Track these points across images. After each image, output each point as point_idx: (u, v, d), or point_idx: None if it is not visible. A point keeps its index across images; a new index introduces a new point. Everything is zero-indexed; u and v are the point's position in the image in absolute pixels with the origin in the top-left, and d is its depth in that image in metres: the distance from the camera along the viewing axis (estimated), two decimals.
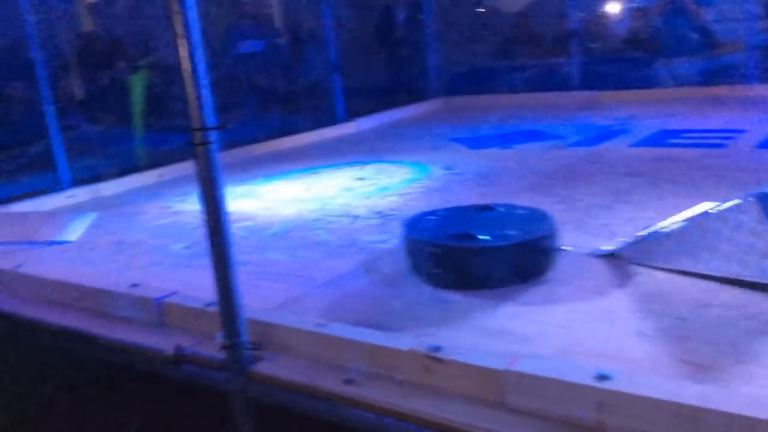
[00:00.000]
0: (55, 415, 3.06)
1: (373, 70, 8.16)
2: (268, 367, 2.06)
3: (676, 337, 1.94)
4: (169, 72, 6.73)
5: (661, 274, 2.39)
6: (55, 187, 4.63)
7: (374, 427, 1.81)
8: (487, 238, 2.47)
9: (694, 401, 1.43)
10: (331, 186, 4.44)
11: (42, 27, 4.80)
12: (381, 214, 3.62)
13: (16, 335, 3.03)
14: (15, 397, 3.21)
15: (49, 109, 4.66)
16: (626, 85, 7.06)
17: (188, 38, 1.81)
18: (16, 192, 4.61)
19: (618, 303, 2.22)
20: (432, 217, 2.83)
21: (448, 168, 4.64)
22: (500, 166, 4.55)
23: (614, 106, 6.66)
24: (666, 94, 6.81)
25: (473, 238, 2.49)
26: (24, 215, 4.10)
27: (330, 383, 1.92)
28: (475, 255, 2.43)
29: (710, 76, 6.87)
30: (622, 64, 7.32)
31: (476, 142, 5.49)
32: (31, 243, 3.58)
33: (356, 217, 3.62)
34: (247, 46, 6.83)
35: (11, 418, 3.10)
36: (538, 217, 2.72)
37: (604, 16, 7.78)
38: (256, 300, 2.45)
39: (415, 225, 2.75)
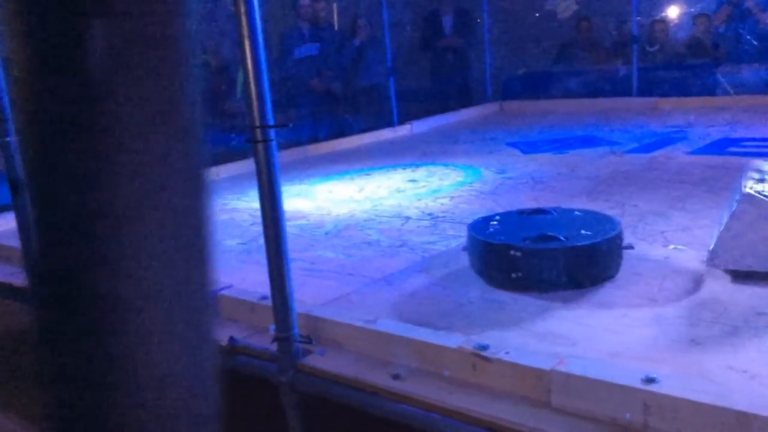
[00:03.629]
0: None
1: (430, 74, 8.19)
2: (317, 361, 2.12)
3: (726, 344, 1.92)
4: (227, 72, 6.89)
5: (716, 281, 2.37)
6: None
7: (420, 422, 1.84)
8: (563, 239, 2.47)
9: (741, 406, 1.43)
10: (383, 187, 4.49)
11: None
12: (432, 216, 3.65)
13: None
14: None
15: None
16: (686, 92, 6.92)
17: (252, 38, 1.88)
18: None
19: (670, 309, 2.21)
20: (494, 222, 2.82)
21: (500, 172, 4.64)
22: (554, 171, 4.53)
23: (673, 113, 6.54)
24: (728, 102, 6.66)
25: (555, 239, 2.49)
26: None
27: (378, 378, 1.97)
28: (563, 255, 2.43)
29: None
30: (682, 70, 7.19)
31: (530, 147, 5.47)
32: None
33: (407, 218, 3.66)
34: (302, 51, 6.94)
35: None
36: (601, 218, 2.70)
37: (666, 22, 7.66)
38: (308, 296, 2.51)
39: (483, 228, 2.73)
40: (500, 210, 3.62)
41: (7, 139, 2.96)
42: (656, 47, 7.38)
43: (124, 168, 0.36)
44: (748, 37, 6.81)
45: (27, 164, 0.38)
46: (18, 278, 3.23)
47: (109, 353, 0.38)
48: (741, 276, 2.35)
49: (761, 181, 2.40)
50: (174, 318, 0.39)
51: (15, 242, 3.29)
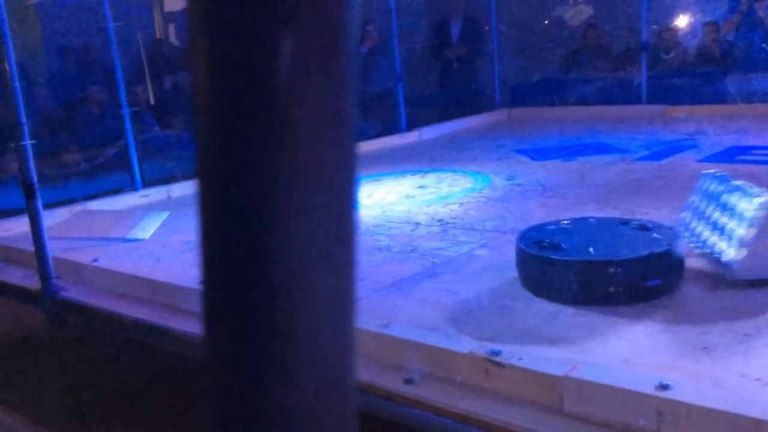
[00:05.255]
0: (125, 405, 3.19)
1: (438, 81, 8.21)
2: None
3: (738, 352, 1.92)
4: None
5: (728, 289, 2.37)
6: (130, 187, 4.84)
7: (432, 426, 1.85)
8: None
9: (753, 413, 1.43)
10: (393, 193, 4.50)
11: (122, 34, 5.02)
12: (442, 222, 3.66)
13: (90, 326, 3.18)
14: (87, 388, 3.37)
15: (126, 113, 4.87)
16: (696, 100, 6.91)
17: None
18: (94, 191, 4.84)
19: (682, 317, 2.21)
20: (565, 222, 2.77)
21: (510, 179, 4.65)
22: (563, 178, 4.53)
23: (683, 120, 6.53)
24: (738, 110, 6.65)
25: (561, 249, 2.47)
26: (100, 213, 4.29)
27: (390, 382, 1.98)
28: None
29: None
30: (692, 78, 7.18)
31: (539, 154, 5.48)
32: (107, 239, 3.74)
33: (417, 224, 3.67)
34: None
35: (81, 409, 3.24)
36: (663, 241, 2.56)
37: (676, 30, 7.65)
38: None
39: (542, 228, 2.69)
40: (510, 217, 3.64)
41: (22, 143, 2.98)
42: (671, 55, 7.37)
43: (301, 168, 0.40)
44: (760, 45, 6.80)
45: (204, 164, 0.41)
46: (31, 281, 3.25)
47: (284, 327, 0.42)
48: (756, 285, 2.35)
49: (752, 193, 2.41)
50: (332, 301, 0.43)
51: (28, 246, 3.31)
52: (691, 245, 2.66)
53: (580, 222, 2.81)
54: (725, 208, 2.51)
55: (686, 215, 2.86)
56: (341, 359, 0.45)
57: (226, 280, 0.42)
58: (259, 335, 0.42)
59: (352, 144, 0.42)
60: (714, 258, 2.47)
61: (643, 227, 2.60)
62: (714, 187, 2.70)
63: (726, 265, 2.37)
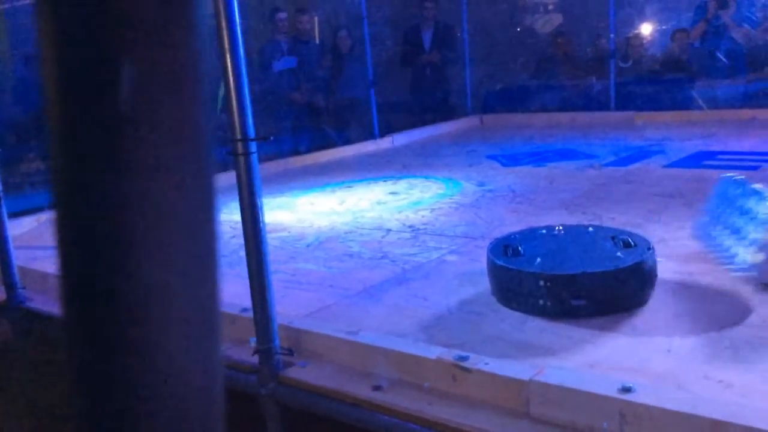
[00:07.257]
0: None
1: (410, 88, 8.24)
2: (298, 372, 2.12)
3: (701, 355, 1.95)
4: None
5: (692, 293, 2.40)
6: None
7: None
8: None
9: (716, 415, 1.46)
10: (365, 200, 4.50)
11: None
12: (413, 228, 3.67)
13: (57, 336, 3.14)
14: (53, 398, 3.32)
15: None
16: (663, 107, 7.01)
17: (233, 52, 1.90)
18: None
19: (647, 320, 2.24)
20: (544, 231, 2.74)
21: (480, 184, 4.68)
22: (534, 183, 4.57)
23: (650, 127, 6.63)
24: (704, 116, 6.76)
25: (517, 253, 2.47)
26: None
27: (358, 389, 1.98)
28: None
29: (750, 99, 6.79)
30: (659, 85, 7.28)
31: (510, 160, 5.52)
32: None
33: (388, 230, 3.68)
34: (281, 64, 6.94)
35: (47, 419, 3.20)
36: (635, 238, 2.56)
37: (642, 37, 7.76)
38: (289, 308, 2.51)
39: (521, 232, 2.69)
40: (480, 223, 3.66)
41: None
42: (629, 63, 7.47)
43: (148, 186, 0.40)
44: (723, 53, 6.92)
45: (57, 184, 0.42)
46: None
47: (133, 342, 0.42)
48: None
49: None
50: (189, 313, 0.43)
51: None
52: (710, 249, 2.68)
53: (571, 230, 2.76)
54: (742, 211, 2.53)
55: (704, 220, 2.87)
56: (203, 380, 0.44)
57: (78, 299, 0.42)
58: (111, 355, 0.42)
59: (207, 166, 0.43)
60: (733, 263, 2.49)
61: (627, 244, 2.50)
62: (732, 191, 2.72)
63: (747, 270, 2.39)
